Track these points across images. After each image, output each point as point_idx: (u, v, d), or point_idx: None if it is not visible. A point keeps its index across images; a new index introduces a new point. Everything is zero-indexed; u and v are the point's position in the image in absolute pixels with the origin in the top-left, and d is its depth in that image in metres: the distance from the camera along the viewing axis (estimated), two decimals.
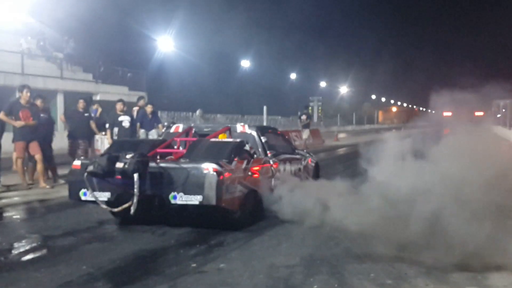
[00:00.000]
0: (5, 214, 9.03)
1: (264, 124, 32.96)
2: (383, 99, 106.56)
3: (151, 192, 7.00)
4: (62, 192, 11.45)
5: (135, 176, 6.71)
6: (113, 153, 7.09)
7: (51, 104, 22.51)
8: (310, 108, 55.32)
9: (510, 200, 7.81)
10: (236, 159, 7.37)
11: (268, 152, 8.56)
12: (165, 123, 14.98)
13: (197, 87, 58.81)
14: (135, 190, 6.71)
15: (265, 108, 34.12)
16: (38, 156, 11.77)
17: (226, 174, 6.93)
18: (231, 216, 7.20)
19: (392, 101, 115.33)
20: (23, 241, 7.02)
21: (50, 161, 12.65)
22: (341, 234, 7.06)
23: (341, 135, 40.81)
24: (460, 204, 6.59)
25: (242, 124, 8.98)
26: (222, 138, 8.44)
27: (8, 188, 11.69)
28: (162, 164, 7.05)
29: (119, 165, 6.77)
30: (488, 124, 11.85)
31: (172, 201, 6.84)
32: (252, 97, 61.61)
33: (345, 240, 6.79)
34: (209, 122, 34.23)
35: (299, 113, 50.30)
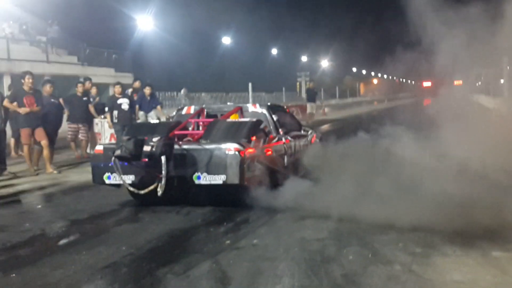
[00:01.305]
0: (24, 201, 9.16)
1: (250, 101, 32.28)
2: (364, 72, 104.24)
3: (175, 173, 7.15)
4: (71, 176, 11.60)
5: (163, 158, 6.86)
6: (133, 137, 7.22)
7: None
8: (298, 83, 56.81)
9: None
10: (253, 138, 7.51)
11: (280, 130, 8.70)
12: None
13: (180, 67, 56.80)
14: (163, 172, 6.86)
15: (250, 84, 33.39)
16: (44, 142, 11.86)
17: (247, 154, 7.09)
18: (251, 193, 7.33)
19: (372, 73, 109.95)
20: (53, 226, 7.17)
21: (52, 146, 12.74)
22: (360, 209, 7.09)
23: (327, 110, 41.16)
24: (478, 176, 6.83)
25: (253, 103, 9.06)
26: (234, 118, 8.53)
27: (15, 175, 11.77)
28: (185, 146, 7.19)
29: (146, 148, 6.91)
30: (467, 93, 12.04)
31: (196, 181, 7.03)
32: (235, 74, 59.52)
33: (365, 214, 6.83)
34: (194, 102, 35.10)
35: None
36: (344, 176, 7.63)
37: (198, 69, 60.48)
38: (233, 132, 7.46)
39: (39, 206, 8.71)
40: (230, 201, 7.67)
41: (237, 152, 6.93)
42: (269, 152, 7.92)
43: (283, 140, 8.54)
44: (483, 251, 5.39)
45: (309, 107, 26.77)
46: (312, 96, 26.97)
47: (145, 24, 42.55)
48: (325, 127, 25.47)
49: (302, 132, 9.89)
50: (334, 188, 7.34)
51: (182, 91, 29.85)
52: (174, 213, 7.52)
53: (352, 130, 10.50)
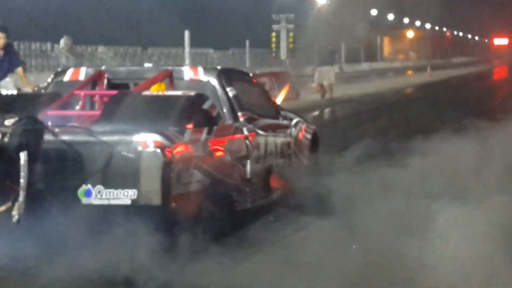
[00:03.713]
0: None
1: (186, 61, 21.38)
2: (391, 17, 65.86)
3: (47, 184, 4.93)
4: None
5: (22, 156, 4.66)
6: None
7: None
8: (273, 35, 33.01)
9: None
10: (190, 126, 5.24)
11: (239, 114, 5.98)
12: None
13: (60, 3, 36.17)
14: (22, 181, 4.65)
15: (187, 34, 20.86)
16: None
17: (177, 153, 4.96)
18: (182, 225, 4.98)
19: (406, 21, 70.65)
20: None
21: None
22: None
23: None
24: None
25: (192, 66, 6.69)
26: (159, 90, 6.13)
27: None
28: (64, 136, 4.96)
29: None
30: None
31: (84, 200, 4.92)
32: (160, 19, 39.10)
33: None
34: (86, 61, 24.90)
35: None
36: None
37: (95, 10, 38.84)
38: (154, 115, 5.27)
39: None
40: None
41: (158, 150, 4.82)
42: (219, 152, 5.47)
43: (245, 132, 5.86)
44: None
45: (321, 73, 19.15)
46: (325, 55, 19.82)
47: None
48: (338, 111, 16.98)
49: (281, 120, 7.04)
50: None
51: (62, 41, 19.68)
52: None
53: (378, 122, 7.90)
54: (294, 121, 7.17)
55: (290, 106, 8.06)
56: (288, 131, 6.90)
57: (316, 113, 14.54)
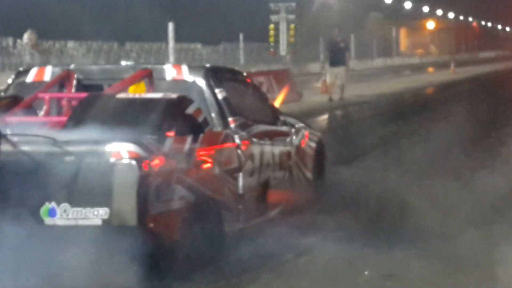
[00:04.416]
0: None
1: (170, 58, 19.42)
2: (408, 5, 58.92)
3: (3, 202, 4.46)
4: None
5: None
6: None
7: None
8: (271, 27, 29.68)
9: None
10: (171, 133, 4.83)
11: (230, 119, 5.51)
12: None
13: None
14: None
15: (170, 26, 18.38)
16: None
17: (156, 164, 4.53)
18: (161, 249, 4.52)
19: (425, 9, 62.44)
20: None
21: None
22: None
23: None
24: None
25: (175, 64, 6.25)
26: (137, 92, 5.68)
27: None
28: (24, 147, 4.60)
29: None
30: None
31: (48, 220, 4.49)
32: (139, 9, 35.04)
33: None
34: (53, 58, 23.76)
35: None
36: None
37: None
38: (129, 121, 4.85)
39: None
40: None
41: (133, 161, 4.39)
42: (206, 164, 5.00)
43: (237, 140, 5.39)
44: None
45: (332, 73, 17.76)
46: (337, 54, 18.00)
47: None
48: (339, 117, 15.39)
49: (280, 126, 6.48)
50: None
51: (26, 36, 19.68)
52: None
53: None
54: (295, 128, 6.61)
55: (292, 110, 7.51)
56: (288, 139, 6.32)
57: (322, 117, 13.49)
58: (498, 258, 4.34)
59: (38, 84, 5.88)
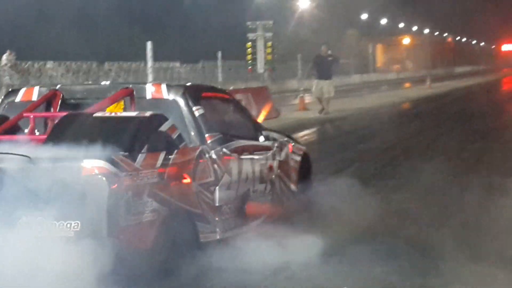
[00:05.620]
0: None
1: (149, 77, 18.32)
2: (384, 22, 57.34)
3: None
4: None
5: None
6: None
7: None
8: (249, 45, 28.58)
9: None
10: (143, 150, 4.78)
11: (207, 135, 5.45)
12: None
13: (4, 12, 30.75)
14: None
15: (149, 45, 17.08)
16: None
17: (126, 179, 4.45)
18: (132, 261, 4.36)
19: (401, 26, 61.44)
20: None
21: None
22: None
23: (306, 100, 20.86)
24: None
25: (155, 82, 6.11)
26: (115, 111, 5.59)
27: None
28: (1, 164, 4.52)
29: None
30: None
31: (23, 232, 4.43)
32: (118, 29, 33.73)
33: None
34: (36, 78, 23.12)
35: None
36: None
37: (39, 18, 32.43)
38: (103, 138, 4.70)
39: None
40: None
41: (104, 177, 4.39)
42: (180, 179, 4.89)
43: (213, 155, 5.29)
44: None
45: (318, 87, 17.73)
46: (325, 68, 18.03)
47: None
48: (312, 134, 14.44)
49: (262, 140, 6.35)
50: None
51: (4, 57, 18.21)
52: None
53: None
54: (279, 142, 6.47)
55: (271, 126, 7.41)
56: (270, 153, 6.18)
57: (301, 133, 13.45)
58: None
59: (26, 104, 5.81)
